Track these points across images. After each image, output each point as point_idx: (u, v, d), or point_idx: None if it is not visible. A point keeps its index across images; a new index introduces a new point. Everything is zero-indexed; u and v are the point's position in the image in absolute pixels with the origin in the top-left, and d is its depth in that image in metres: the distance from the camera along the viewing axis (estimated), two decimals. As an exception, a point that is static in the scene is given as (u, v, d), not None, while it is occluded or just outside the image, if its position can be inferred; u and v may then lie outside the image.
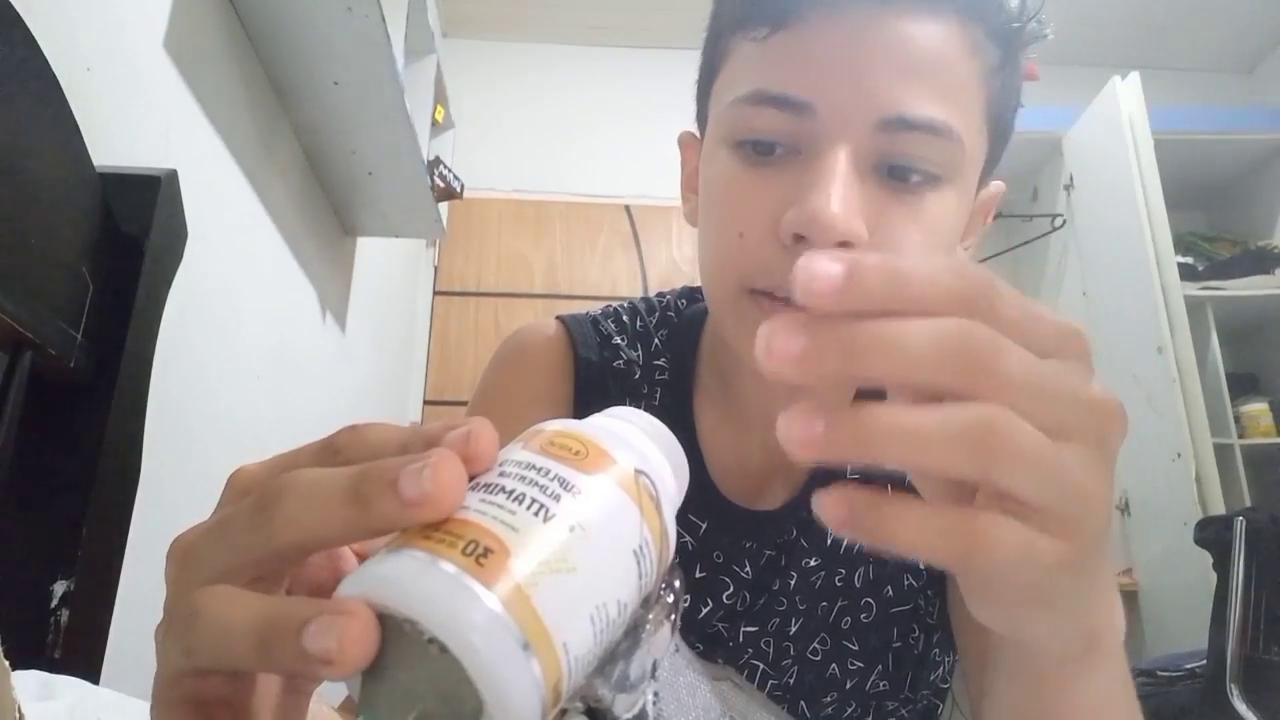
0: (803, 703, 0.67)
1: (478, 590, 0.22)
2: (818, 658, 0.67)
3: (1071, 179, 3.18)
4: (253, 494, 0.26)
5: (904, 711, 0.69)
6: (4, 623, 0.69)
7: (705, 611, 0.68)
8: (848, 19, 0.52)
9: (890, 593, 0.68)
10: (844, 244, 0.50)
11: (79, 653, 0.74)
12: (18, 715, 0.40)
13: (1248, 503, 2.72)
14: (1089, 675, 0.34)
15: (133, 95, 1.02)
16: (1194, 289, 2.92)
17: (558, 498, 0.25)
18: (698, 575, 0.68)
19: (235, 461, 0.28)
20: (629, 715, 0.26)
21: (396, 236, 2.20)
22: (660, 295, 0.79)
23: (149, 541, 0.90)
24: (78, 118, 0.78)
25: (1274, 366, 3.24)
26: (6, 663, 0.40)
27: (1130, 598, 2.81)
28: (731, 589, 0.68)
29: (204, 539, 0.27)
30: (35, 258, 0.69)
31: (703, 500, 0.68)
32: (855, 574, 0.68)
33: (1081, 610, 0.31)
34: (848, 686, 0.67)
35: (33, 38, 0.70)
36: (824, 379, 0.25)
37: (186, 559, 0.27)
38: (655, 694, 0.25)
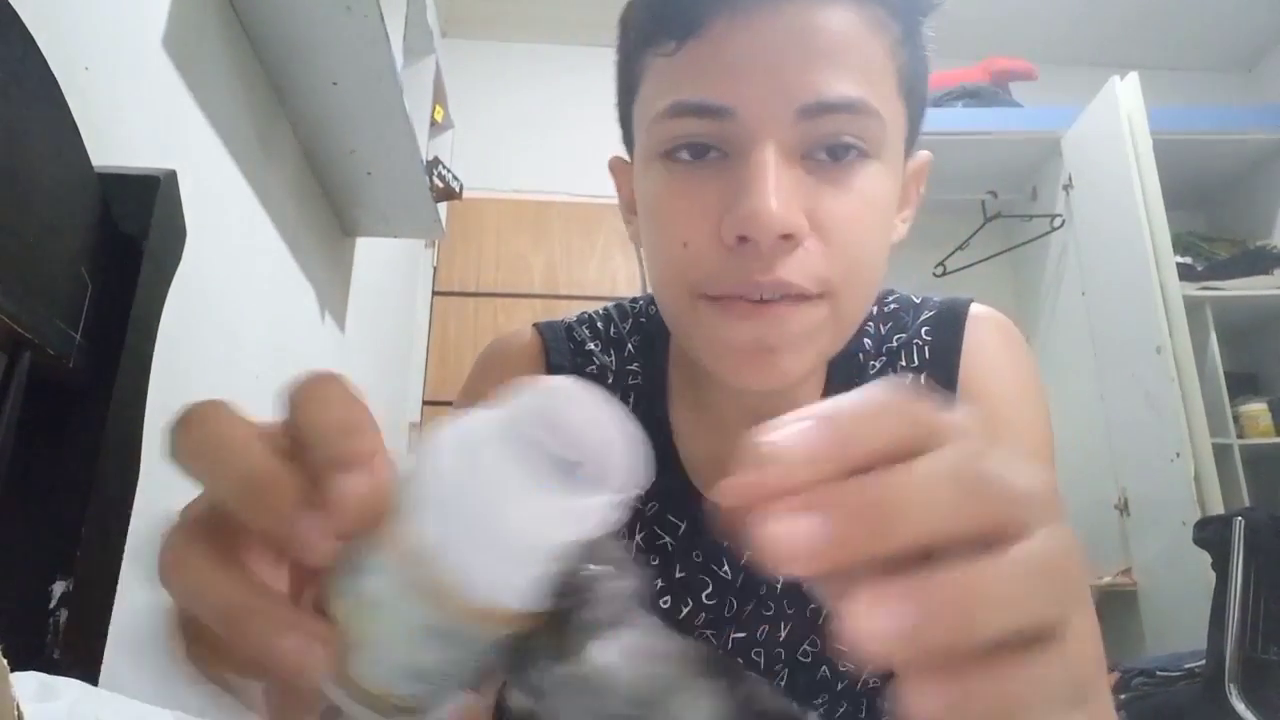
0: (794, 703, 0.66)
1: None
2: (808, 659, 0.67)
3: (1070, 179, 3.18)
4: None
5: None
6: (3, 623, 0.69)
7: (686, 611, 0.68)
8: (751, 18, 0.53)
9: None
10: (787, 236, 0.52)
11: (78, 653, 0.73)
12: (17, 716, 0.40)
13: (1246, 502, 2.73)
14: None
15: (131, 95, 1.02)
16: (1193, 289, 2.92)
17: (355, 570, 0.27)
18: (678, 575, 0.68)
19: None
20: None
21: (395, 237, 2.20)
22: (634, 300, 0.79)
23: (148, 541, 0.89)
24: (76, 117, 0.78)
25: (1273, 366, 3.24)
26: (5, 663, 0.39)
27: (1129, 597, 2.82)
28: (711, 588, 0.68)
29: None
30: (34, 258, 0.69)
31: (680, 500, 0.68)
32: None
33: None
34: (839, 687, 0.67)
35: (30, 36, 0.70)
36: (852, 563, 0.22)
37: None
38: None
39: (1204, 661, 1.96)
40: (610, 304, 0.80)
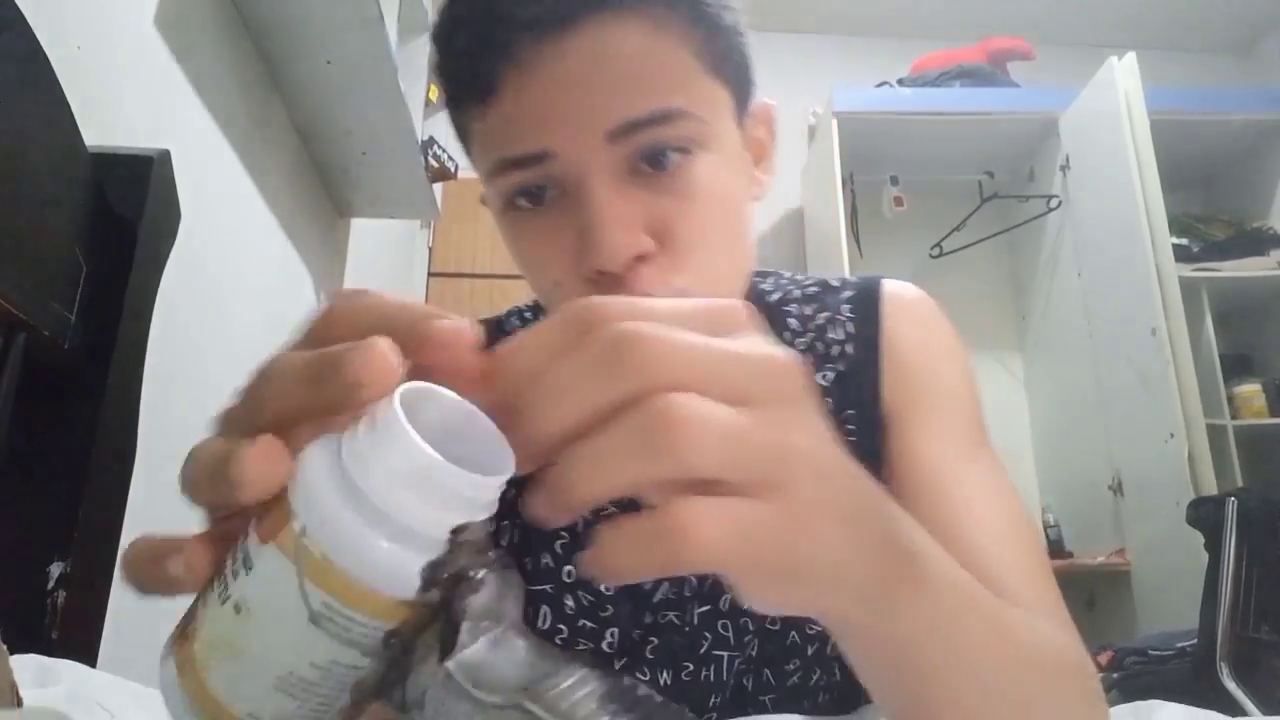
0: (767, 670, 0.67)
1: (170, 667, 0.27)
2: (776, 626, 0.67)
3: (1068, 160, 3.18)
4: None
5: None
6: (1, 605, 0.69)
7: (648, 586, 0.68)
8: (538, 63, 0.55)
9: None
10: (639, 257, 0.55)
11: (76, 634, 0.74)
12: (17, 700, 0.40)
13: (1240, 483, 2.74)
14: (910, 609, 0.33)
15: (124, 74, 1.01)
16: (1189, 270, 2.93)
17: (236, 574, 0.26)
18: None
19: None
20: None
21: (391, 217, 2.19)
22: None
23: (144, 522, 0.89)
24: (69, 97, 0.77)
25: (1267, 348, 3.25)
26: (4, 647, 0.40)
27: (1123, 577, 2.84)
28: None
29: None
30: (27, 239, 0.68)
31: None
32: None
33: (855, 561, 0.30)
34: (809, 652, 0.67)
35: (23, 16, 0.70)
36: (539, 446, 0.27)
37: None
38: None
39: (1196, 640, 1.97)
40: None
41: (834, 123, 3.13)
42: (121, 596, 0.83)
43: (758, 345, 0.29)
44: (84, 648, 0.76)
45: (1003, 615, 0.40)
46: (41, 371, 0.73)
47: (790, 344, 0.73)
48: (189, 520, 0.30)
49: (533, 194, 0.58)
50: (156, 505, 1.01)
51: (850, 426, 0.69)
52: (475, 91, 0.58)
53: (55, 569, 0.73)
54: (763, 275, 0.80)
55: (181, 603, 0.29)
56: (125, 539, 0.83)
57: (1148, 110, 2.86)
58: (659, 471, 0.25)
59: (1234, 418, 2.92)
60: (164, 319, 0.89)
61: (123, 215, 0.82)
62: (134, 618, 0.95)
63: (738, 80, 0.62)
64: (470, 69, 0.58)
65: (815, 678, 0.67)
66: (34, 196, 0.70)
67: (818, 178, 3.30)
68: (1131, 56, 2.93)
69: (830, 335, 0.73)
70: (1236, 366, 3.09)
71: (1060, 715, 0.42)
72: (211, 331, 1.29)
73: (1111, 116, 2.90)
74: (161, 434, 1.07)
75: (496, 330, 0.78)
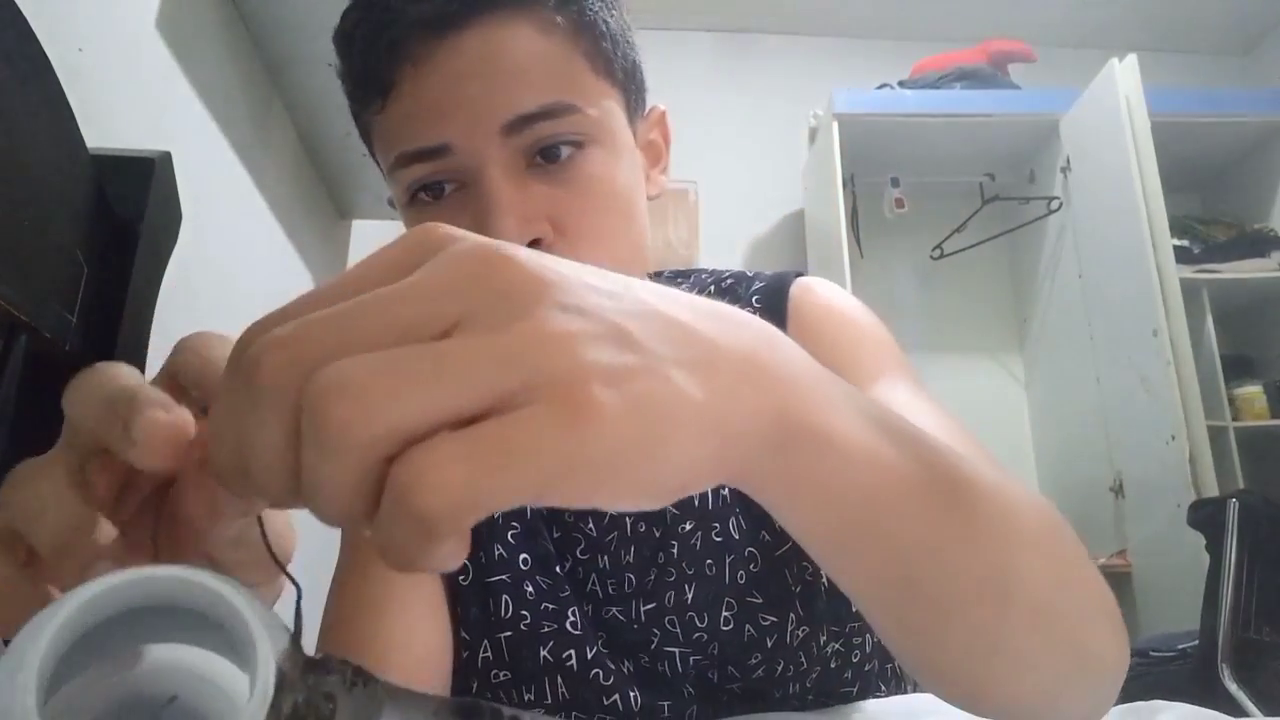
0: (730, 667, 0.66)
1: None
2: (729, 626, 0.66)
3: (1068, 161, 3.17)
4: None
5: (837, 648, 0.67)
6: (1, 606, 0.69)
7: (592, 585, 0.69)
8: (435, 62, 0.59)
9: (767, 537, 0.68)
10: (534, 243, 0.57)
11: (77, 636, 0.74)
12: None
13: (1241, 485, 2.74)
14: (814, 462, 0.30)
15: (125, 76, 1.01)
16: (1189, 272, 2.92)
17: None
18: (558, 538, 0.71)
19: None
20: None
21: (392, 219, 2.19)
22: None
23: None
24: (70, 99, 0.77)
25: (1268, 349, 3.25)
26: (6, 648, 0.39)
27: (1124, 579, 2.83)
28: (609, 563, 0.69)
29: None
30: (28, 240, 0.68)
31: None
32: (728, 524, 0.68)
33: (705, 419, 0.26)
34: (769, 644, 0.66)
35: (23, 17, 0.70)
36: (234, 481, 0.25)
37: None
38: None
39: (1197, 642, 1.97)
40: None
41: (835, 124, 3.13)
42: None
43: (445, 258, 0.25)
44: (85, 649, 0.76)
45: (947, 457, 0.37)
46: (43, 373, 0.73)
47: None
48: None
49: (433, 189, 0.61)
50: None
51: None
52: (375, 90, 0.61)
53: (56, 570, 0.73)
54: (684, 275, 0.81)
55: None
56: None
57: (1149, 112, 2.86)
58: (350, 461, 0.21)
59: (1235, 419, 2.92)
60: (165, 321, 0.89)
61: (124, 217, 0.82)
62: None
63: (627, 83, 0.66)
64: (369, 68, 0.62)
65: (780, 668, 0.66)
66: (35, 198, 0.70)
67: (818, 180, 3.30)
68: (1132, 58, 2.93)
69: None
70: (1237, 368, 3.09)
71: (1028, 544, 0.40)
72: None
73: (1112, 118, 2.90)
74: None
75: None
